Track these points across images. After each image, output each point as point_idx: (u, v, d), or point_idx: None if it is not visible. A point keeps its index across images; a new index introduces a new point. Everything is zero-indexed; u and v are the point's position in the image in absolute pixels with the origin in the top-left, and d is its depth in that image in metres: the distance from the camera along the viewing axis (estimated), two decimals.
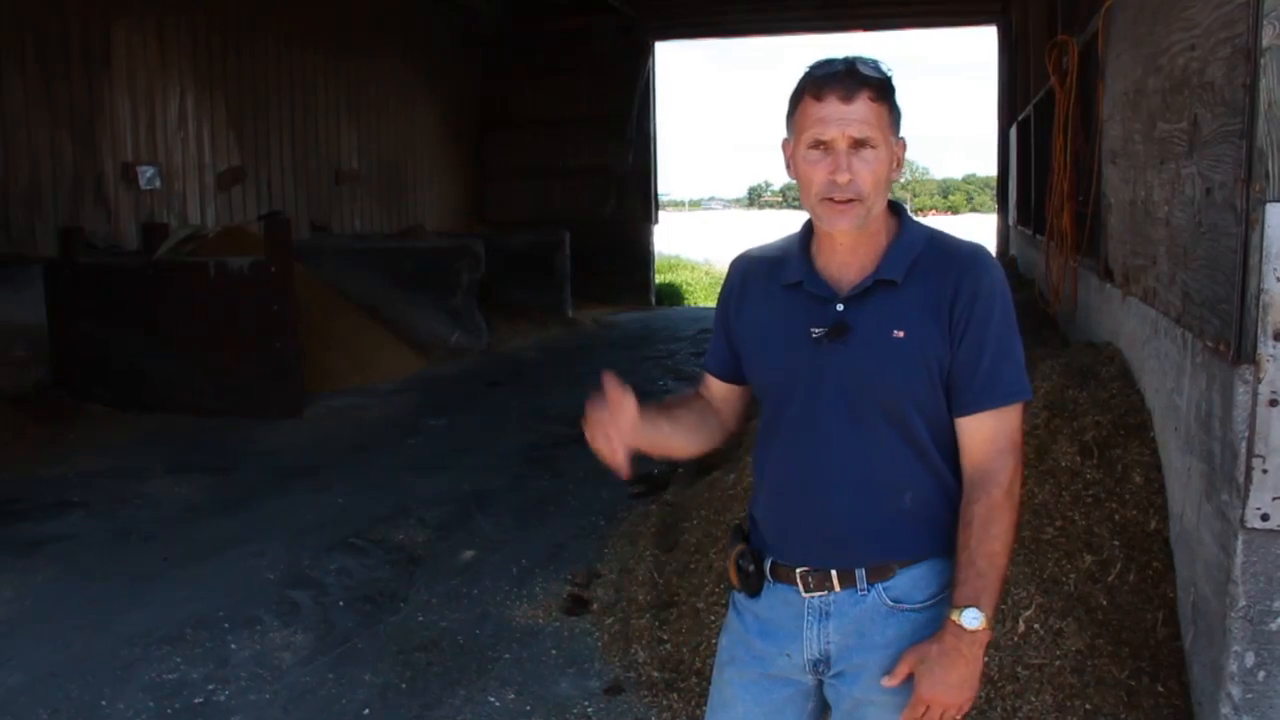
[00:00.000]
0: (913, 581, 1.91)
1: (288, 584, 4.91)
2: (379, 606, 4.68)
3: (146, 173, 10.39)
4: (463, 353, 11.59)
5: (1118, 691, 3.13)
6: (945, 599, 1.90)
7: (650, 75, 17.63)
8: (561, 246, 14.73)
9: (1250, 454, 2.53)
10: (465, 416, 8.68)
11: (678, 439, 2.04)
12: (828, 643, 1.94)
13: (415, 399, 9.39)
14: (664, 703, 3.69)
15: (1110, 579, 3.40)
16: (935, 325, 1.85)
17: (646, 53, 17.48)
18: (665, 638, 4.04)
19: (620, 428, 1.83)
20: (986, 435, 1.86)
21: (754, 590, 2.01)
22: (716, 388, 2.12)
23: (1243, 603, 2.58)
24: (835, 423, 1.89)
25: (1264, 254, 2.47)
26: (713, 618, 3.92)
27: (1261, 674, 2.59)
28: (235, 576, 5.00)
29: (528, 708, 3.76)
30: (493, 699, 3.83)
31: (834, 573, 1.92)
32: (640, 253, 17.90)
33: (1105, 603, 3.35)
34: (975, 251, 1.91)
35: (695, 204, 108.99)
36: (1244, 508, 2.54)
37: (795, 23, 17.29)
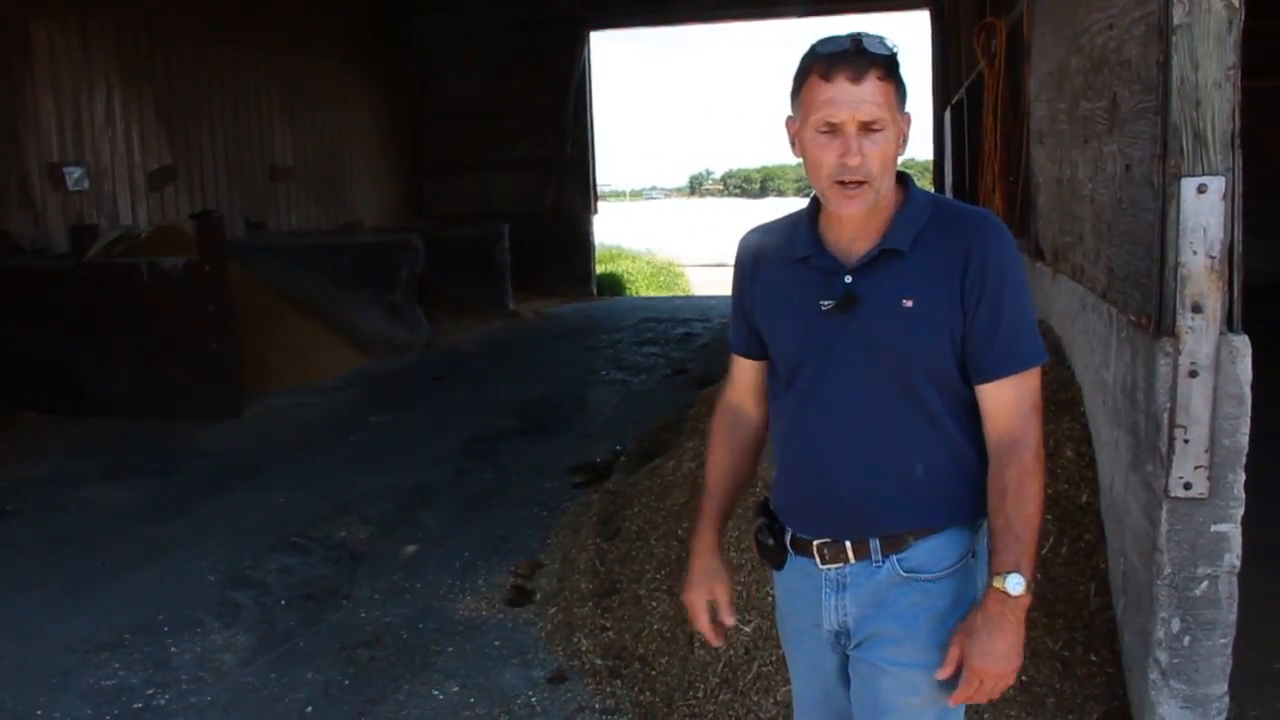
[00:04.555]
0: (927, 553, 1.91)
1: (229, 585, 4.86)
2: (321, 604, 4.65)
3: (74, 173, 10.20)
4: (404, 348, 11.50)
5: (1052, 662, 3.19)
6: (960, 569, 1.91)
7: (586, 65, 17.56)
8: (501, 239, 14.63)
9: (1172, 424, 2.58)
10: (407, 412, 8.62)
11: (741, 488, 2.19)
12: (845, 614, 1.96)
13: (356, 396, 9.31)
14: (607, 690, 3.70)
15: (1044, 552, 3.46)
16: (945, 293, 1.84)
17: (581, 43, 17.41)
18: (608, 625, 4.05)
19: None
20: (1010, 401, 1.85)
21: (776, 563, 2.05)
22: (745, 368, 2.12)
23: (1168, 570, 2.64)
24: (846, 394, 1.89)
25: (1180, 228, 2.52)
26: (654, 604, 3.94)
27: (1187, 639, 2.65)
28: (175, 580, 4.94)
29: (471, 699, 3.76)
30: (436, 692, 3.82)
31: (848, 544, 1.93)
32: (581, 244, 17.83)
33: (1040, 576, 3.41)
34: (983, 217, 1.90)
35: (637, 194, 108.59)
36: (1167, 478, 2.59)
37: (728, 9, 17.28)
